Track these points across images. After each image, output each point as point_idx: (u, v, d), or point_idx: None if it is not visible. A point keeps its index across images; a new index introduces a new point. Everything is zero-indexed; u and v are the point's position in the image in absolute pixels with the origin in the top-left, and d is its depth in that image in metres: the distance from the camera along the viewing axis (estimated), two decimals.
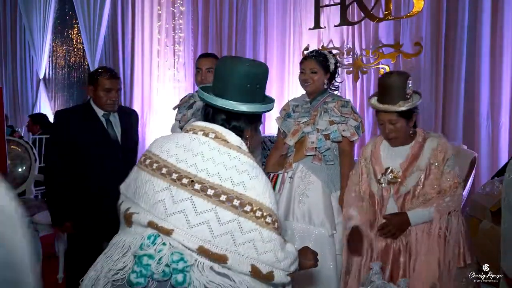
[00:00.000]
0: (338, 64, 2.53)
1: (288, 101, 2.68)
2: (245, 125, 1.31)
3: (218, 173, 1.18)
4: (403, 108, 1.87)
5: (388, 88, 1.90)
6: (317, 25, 4.83)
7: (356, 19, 4.62)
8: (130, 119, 2.61)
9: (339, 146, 2.42)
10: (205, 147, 1.22)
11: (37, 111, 7.03)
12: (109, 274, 1.18)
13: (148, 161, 1.25)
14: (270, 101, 1.36)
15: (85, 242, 2.34)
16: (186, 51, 5.95)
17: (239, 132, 1.29)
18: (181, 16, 5.95)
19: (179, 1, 5.94)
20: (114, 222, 1.38)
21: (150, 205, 1.18)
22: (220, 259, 1.14)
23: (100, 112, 2.45)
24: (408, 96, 1.90)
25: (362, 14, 4.54)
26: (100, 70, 2.49)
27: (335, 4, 4.71)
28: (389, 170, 1.97)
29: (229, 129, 1.28)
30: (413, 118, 1.95)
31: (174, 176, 1.18)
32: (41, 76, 7.38)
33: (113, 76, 2.45)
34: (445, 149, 1.94)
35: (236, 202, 1.16)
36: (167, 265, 1.12)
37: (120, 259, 1.19)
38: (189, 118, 2.53)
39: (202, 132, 1.25)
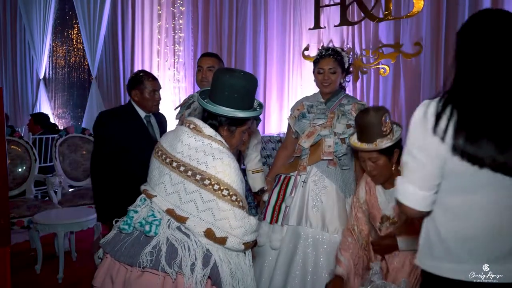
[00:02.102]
0: (350, 62, 2.45)
1: (301, 100, 2.57)
2: (219, 124, 1.59)
3: (190, 154, 1.51)
4: (381, 147, 1.82)
5: (364, 127, 1.87)
6: (317, 25, 4.84)
7: (356, 19, 4.63)
8: (163, 121, 2.82)
9: (355, 151, 2.30)
10: (185, 135, 1.55)
11: (37, 111, 7.03)
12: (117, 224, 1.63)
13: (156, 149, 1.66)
14: (254, 110, 1.60)
15: None
16: (186, 51, 5.96)
17: (215, 128, 1.58)
18: (181, 16, 5.95)
19: (179, 1, 5.94)
20: None
21: (149, 178, 1.62)
22: (181, 220, 1.47)
23: (142, 114, 2.61)
24: (386, 133, 1.84)
25: (362, 14, 4.54)
26: (141, 74, 2.62)
27: (335, 4, 4.72)
28: (385, 218, 1.93)
29: (208, 124, 1.58)
30: (395, 155, 1.87)
31: (163, 156, 1.56)
32: (41, 76, 7.39)
33: (155, 78, 2.63)
34: None
35: (198, 177, 1.47)
36: (144, 219, 1.50)
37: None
38: (186, 117, 2.53)
39: (187, 124, 1.59)
